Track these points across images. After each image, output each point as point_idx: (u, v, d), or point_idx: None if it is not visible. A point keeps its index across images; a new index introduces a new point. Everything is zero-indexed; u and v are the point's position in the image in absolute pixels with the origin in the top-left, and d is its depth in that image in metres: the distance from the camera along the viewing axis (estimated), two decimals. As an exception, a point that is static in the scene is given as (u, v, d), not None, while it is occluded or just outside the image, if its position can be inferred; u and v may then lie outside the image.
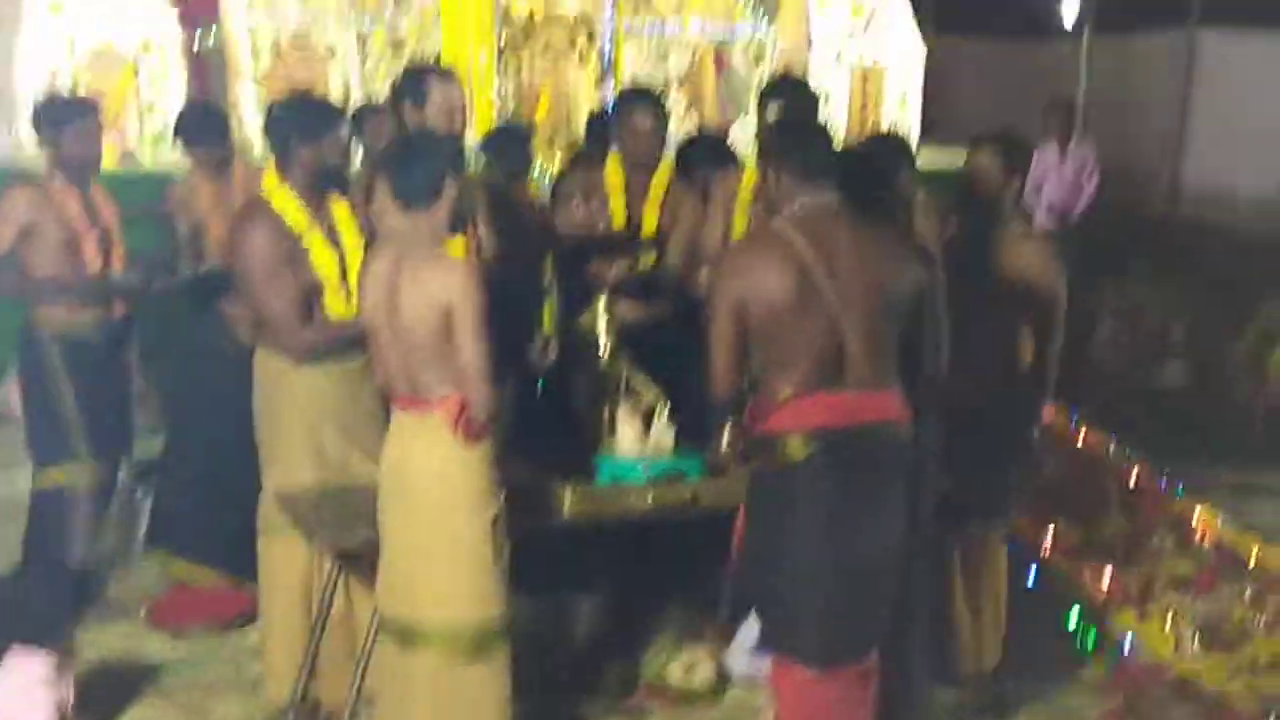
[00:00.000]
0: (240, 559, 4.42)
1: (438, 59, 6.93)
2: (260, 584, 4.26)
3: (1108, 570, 5.19)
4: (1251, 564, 5.35)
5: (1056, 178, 8.82)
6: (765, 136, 3.85)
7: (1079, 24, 11.55)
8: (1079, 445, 5.88)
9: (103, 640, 4.63)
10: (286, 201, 3.95)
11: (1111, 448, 5.90)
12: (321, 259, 3.96)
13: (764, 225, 3.52)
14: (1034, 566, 5.12)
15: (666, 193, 4.89)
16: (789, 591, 3.50)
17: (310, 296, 3.96)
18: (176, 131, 5.12)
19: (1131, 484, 5.76)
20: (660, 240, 4.86)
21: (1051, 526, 5.42)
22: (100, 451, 4.71)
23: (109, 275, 4.65)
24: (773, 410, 3.47)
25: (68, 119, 4.56)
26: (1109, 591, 5.09)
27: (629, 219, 4.87)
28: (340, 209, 4.06)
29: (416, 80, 4.36)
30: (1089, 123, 10.34)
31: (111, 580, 5.02)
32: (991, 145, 4.24)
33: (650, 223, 4.87)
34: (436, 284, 3.38)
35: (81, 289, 4.60)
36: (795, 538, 3.46)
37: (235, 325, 4.73)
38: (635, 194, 4.89)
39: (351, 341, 3.87)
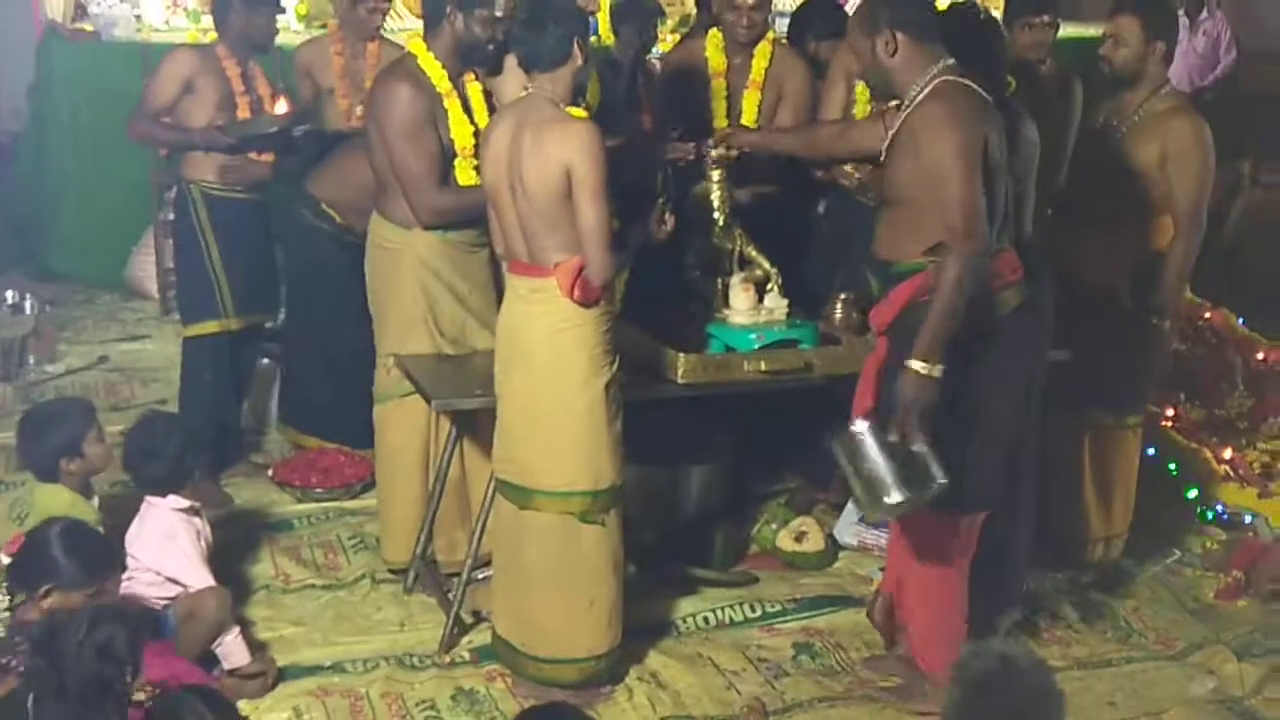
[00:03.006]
0: (359, 431, 4.54)
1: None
2: (377, 451, 4.36)
3: (1229, 449, 5.10)
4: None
5: (1185, 51, 8.44)
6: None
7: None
8: (1203, 322, 5.72)
9: (233, 494, 4.84)
10: (431, 64, 3.97)
11: (1237, 326, 5.74)
12: (458, 125, 3.97)
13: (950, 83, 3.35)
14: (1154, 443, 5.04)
15: (769, 68, 4.73)
16: (985, 442, 3.49)
17: (444, 161, 3.98)
18: None
19: (1256, 362, 5.61)
20: (766, 119, 4.73)
21: (1173, 403, 5.32)
22: (244, 309, 4.79)
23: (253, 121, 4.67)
24: None
25: (238, 5, 4.62)
26: (1230, 469, 4.99)
27: (731, 96, 4.74)
28: (474, 86, 4.06)
29: None
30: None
31: (245, 442, 5.19)
32: (1132, 11, 4.06)
33: (753, 102, 4.74)
34: (557, 145, 3.38)
35: (229, 131, 4.60)
36: (995, 389, 3.47)
37: (326, 204, 4.85)
38: (738, 72, 4.74)
39: (474, 211, 3.89)
